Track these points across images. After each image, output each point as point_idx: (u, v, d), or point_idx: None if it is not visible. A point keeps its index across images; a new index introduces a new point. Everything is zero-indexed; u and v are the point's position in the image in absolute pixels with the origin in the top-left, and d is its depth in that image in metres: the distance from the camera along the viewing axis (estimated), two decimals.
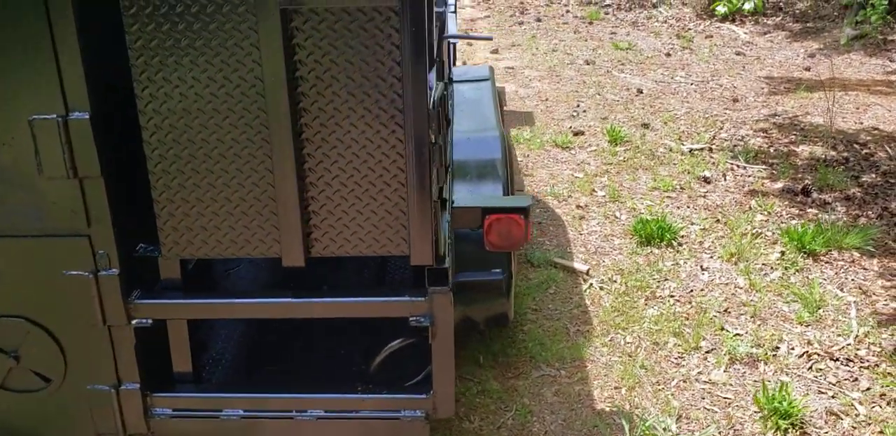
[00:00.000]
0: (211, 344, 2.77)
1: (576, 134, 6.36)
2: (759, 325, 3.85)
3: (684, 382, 3.47)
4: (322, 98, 2.04)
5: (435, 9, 2.46)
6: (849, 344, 3.68)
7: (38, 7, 1.87)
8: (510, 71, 8.14)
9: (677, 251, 4.57)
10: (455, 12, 5.95)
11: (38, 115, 1.98)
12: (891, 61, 8.15)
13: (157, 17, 1.95)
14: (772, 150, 5.99)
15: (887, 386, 3.38)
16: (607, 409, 3.31)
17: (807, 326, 3.83)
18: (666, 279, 4.29)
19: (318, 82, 2.02)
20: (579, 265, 4.40)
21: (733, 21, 9.67)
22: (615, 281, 4.29)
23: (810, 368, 3.54)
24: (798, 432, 3.16)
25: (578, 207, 5.18)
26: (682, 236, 4.72)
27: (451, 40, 4.47)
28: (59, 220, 2.12)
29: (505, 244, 2.87)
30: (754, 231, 4.73)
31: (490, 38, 2.72)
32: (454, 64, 4.92)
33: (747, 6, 8.33)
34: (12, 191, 2.09)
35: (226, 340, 2.80)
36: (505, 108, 7.03)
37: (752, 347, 3.67)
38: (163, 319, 2.32)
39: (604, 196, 5.32)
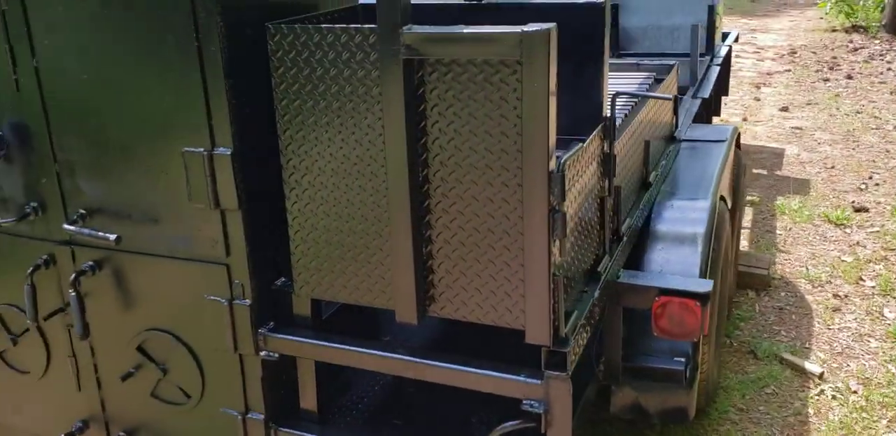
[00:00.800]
0: (355, 386, 2.76)
1: (857, 210, 5.55)
2: None
3: None
4: (443, 152, 1.94)
5: (608, 60, 2.25)
6: None
7: (191, 58, 2.03)
8: (797, 132, 7.38)
9: None
10: (721, 65, 5.54)
11: (189, 148, 2.11)
12: None
13: (300, 61, 2.00)
14: None
15: None
16: None
17: None
18: None
19: (441, 136, 1.93)
20: (812, 366, 3.76)
21: None
22: (855, 392, 3.59)
23: None
24: None
25: (836, 296, 4.47)
26: None
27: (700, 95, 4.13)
28: (203, 247, 2.24)
29: (676, 332, 2.52)
30: None
31: (668, 98, 2.42)
32: (694, 120, 4.53)
33: None
34: (170, 216, 2.25)
35: (370, 383, 2.77)
36: (778, 172, 6.37)
37: None
38: (291, 356, 2.34)
39: (873, 287, 4.54)
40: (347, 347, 2.25)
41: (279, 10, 2.15)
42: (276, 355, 2.32)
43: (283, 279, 2.33)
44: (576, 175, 2.06)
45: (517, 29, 1.74)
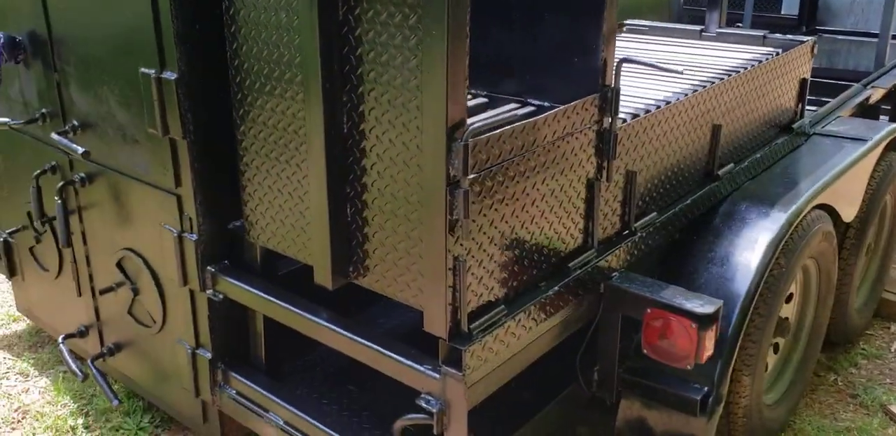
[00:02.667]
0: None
1: None
2: None
3: None
4: (365, 103, 1.69)
5: (611, 17, 1.83)
6: None
7: None
8: None
9: None
10: None
11: (144, 69, 2.02)
12: None
13: None
14: None
15: None
16: None
17: None
18: None
19: (363, 85, 1.68)
20: None
21: None
22: None
23: None
24: None
25: None
26: None
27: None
28: (157, 174, 2.17)
29: (665, 354, 2.11)
30: None
31: (678, 72, 1.94)
32: (868, 114, 3.77)
33: None
34: (134, 137, 2.20)
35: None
36: None
37: None
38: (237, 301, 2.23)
39: None
40: (277, 301, 2.10)
41: None
42: (221, 296, 2.22)
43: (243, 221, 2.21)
44: (523, 149, 1.71)
45: None
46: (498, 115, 1.91)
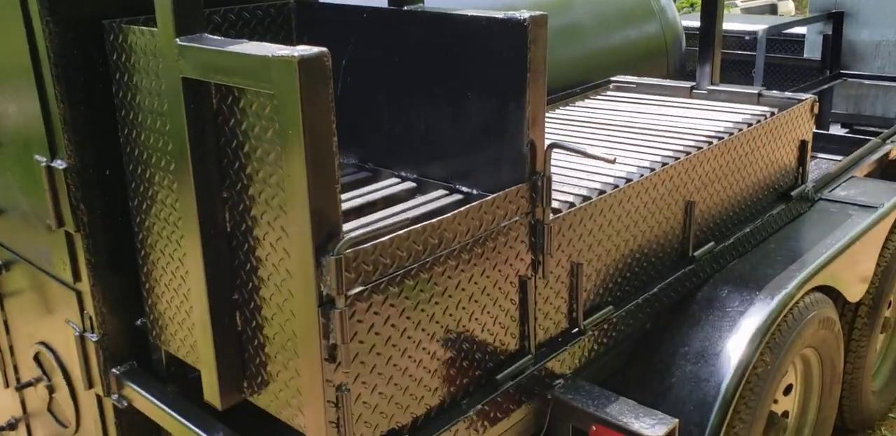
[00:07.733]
0: None
1: None
2: None
3: None
4: (243, 203, 1.48)
5: (538, 97, 1.59)
6: None
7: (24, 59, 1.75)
8: None
9: None
10: None
11: (38, 156, 1.84)
12: None
13: (129, 66, 1.63)
14: None
15: None
16: None
17: None
18: None
19: (241, 182, 1.47)
20: None
21: None
22: None
23: None
24: None
25: None
26: None
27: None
28: (59, 268, 1.97)
29: None
30: None
31: (611, 161, 1.66)
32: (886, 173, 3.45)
33: None
34: (38, 227, 2.01)
35: None
36: None
37: None
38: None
39: None
40: (172, 413, 1.85)
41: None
42: (126, 403, 1.99)
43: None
44: (427, 253, 1.47)
45: (271, 51, 1.22)
46: (412, 208, 1.70)
